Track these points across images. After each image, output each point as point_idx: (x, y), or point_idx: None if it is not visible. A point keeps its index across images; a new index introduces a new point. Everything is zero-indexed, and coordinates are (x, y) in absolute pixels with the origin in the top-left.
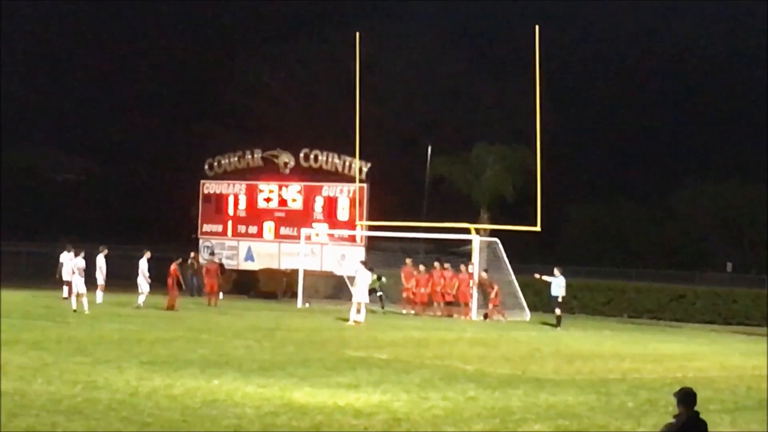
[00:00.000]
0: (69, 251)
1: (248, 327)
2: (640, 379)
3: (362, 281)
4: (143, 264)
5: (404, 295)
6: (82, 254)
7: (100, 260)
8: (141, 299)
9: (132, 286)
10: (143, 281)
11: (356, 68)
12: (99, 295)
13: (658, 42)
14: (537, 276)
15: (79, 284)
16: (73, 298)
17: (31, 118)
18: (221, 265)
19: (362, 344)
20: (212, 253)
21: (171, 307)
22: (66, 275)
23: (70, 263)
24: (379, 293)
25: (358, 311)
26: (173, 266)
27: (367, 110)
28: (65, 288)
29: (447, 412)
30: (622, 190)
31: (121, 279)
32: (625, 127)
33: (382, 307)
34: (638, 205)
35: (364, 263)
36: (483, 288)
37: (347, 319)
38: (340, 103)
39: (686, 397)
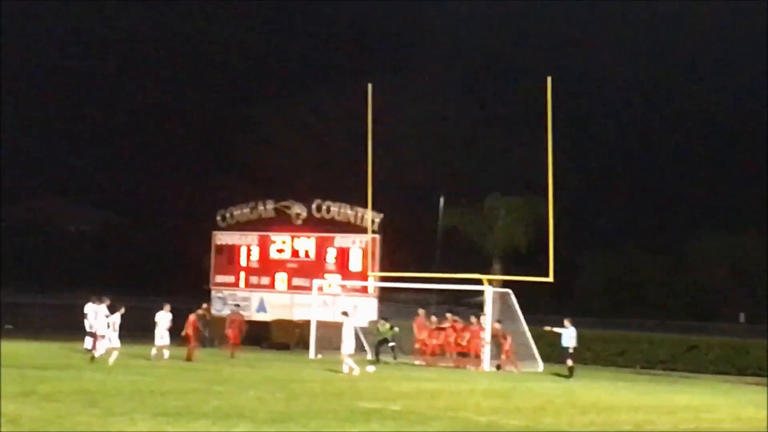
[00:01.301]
0: (94, 302)
1: (261, 378)
2: (654, 430)
3: (348, 332)
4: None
5: (417, 346)
6: (122, 310)
7: (101, 311)
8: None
9: (145, 338)
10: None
11: (368, 119)
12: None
13: (672, 92)
14: (547, 329)
15: (113, 338)
16: (99, 345)
17: (46, 170)
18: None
19: (375, 395)
20: (237, 305)
21: (190, 359)
22: (90, 326)
23: (103, 316)
24: (391, 344)
25: (343, 362)
26: (192, 317)
27: (379, 161)
28: (87, 339)
29: None
30: (636, 240)
31: (134, 330)
32: (639, 177)
33: (395, 358)
34: (652, 255)
35: (346, 314)
36: (496, 339)
37: (339, 371)
38: (352, 154)
39: None
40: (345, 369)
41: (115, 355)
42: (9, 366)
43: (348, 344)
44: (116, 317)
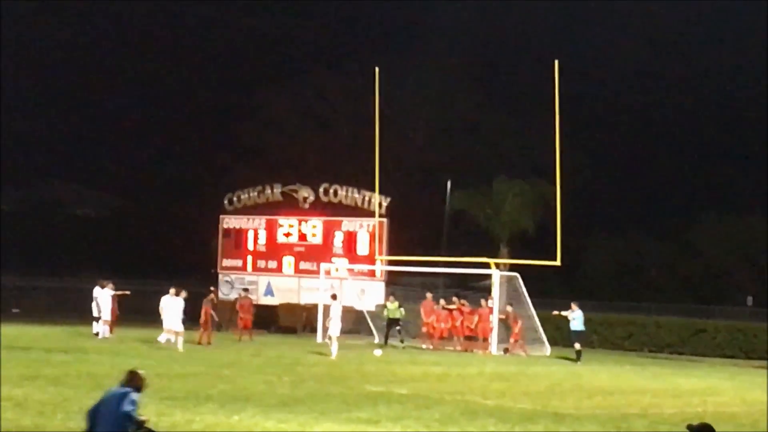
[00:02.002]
0: (102, 287)
1: (268, 362)
2: (661, 414)
3: (335, 315)
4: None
5: (424, 329)
6: (183, 294)
7: (106, 294)
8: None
9: (151, 322)
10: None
11: (375, 103)
12: (104, 329)
13: (678, 75)
14: (555, 312)
15: (175, 323)
16: (102, 327)
17: (52, 154)
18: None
19: (382, 379)
20: (246, 289)
21: (201, 342)
22: (96, 311)
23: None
24: (397, 327)
25: (330, 344)
26: (206, 306)
27: (387, 145)
28: (95, 323)
29: None
30: (642, 224)
31: (140, 314)
32: (645, 161)
33: (401, 341)
34: (658, 238)
35: (334, 297)
36: (506, 322)
37: (328, 354)
38: (359, 137)
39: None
40: (334, 351)
41: (180, 341)
42: (15, 349)
43: (335, 326)
44: (179, 301)
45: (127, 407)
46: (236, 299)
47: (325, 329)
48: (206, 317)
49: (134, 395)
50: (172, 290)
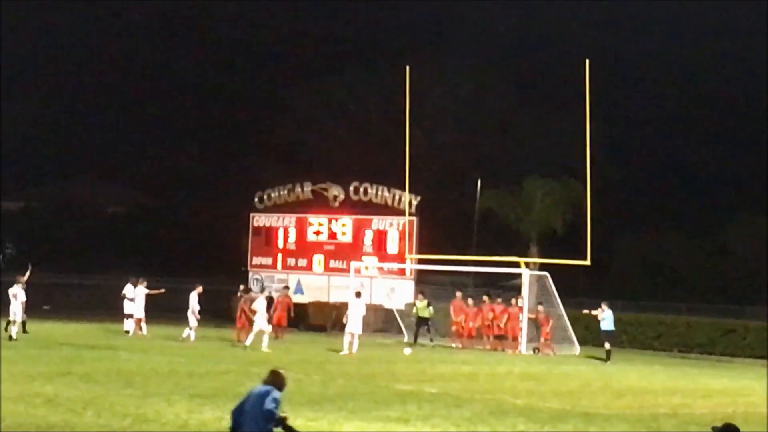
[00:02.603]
0: (135, 285)
1: (298, 360)
2: (691, 414)
3: (355, 312)
4: (193, 298)
5: (453, 328)
6: (266, 293)
7: (140, 292)
8: (186, 333)
9: (181, 319)
10: (191, 316)
11: (406, 102)
12: (143, 327)
13: (712, 72)
14: (585, 312)
15: (261, 322)
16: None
17: (83, 151)
18: (271, 298)
19: (412, 378)
20: (286, 287)
21: (240, 339)
22: (127, 308)
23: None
24: (427, 326)
25: (351, 342)
26: (243, 304)
27: (417, 143)
28: (125, 321)
29: None
30: (673, 223)
31: (171, 312)
32: (677, 160)
33: (431, 340)
34: (689, 238)
35: (359, 294)
36: (537, 322)
37: (340, 350)
38: (390, 136)
39: None
40: (353, 347)
41: (265, 339)
42: (46, 346)
43: (356, 323)
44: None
45: (269, 405)
46: (268, 297)
47: (343, 325)
48: (244, 315)
49: (276, 393)
50: (199, 288)
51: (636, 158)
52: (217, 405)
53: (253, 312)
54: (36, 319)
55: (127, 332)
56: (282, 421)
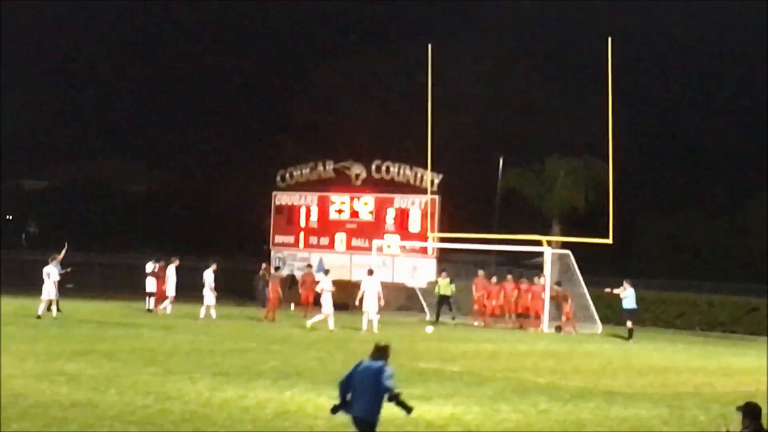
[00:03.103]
0: (157, 263)
1: (320, 338)
2: (713, 393)
3: (371, 291)
4: (209, 276)
5: (475, 307)
6: (287, 271)
7: (171, 271)
8: (204, 311)
9: (202, 297)
10: (209, 293)
11: (428, 80)
12: (168, 306)
13: (734, 51)
14: (607, 291)
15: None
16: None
17: (104, 131)
18: (292, 276)
19: (434, 356)
20: (309, 265)
21: (269, 318)
22: (150, 286)
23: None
24: (449, 304)
25: (371, 321)
26: (274, 282)
27: (439, 122)
28: (148, 299)
29: (519, 425)
30: (696, 202)
31: (194, 290)
32: (699, 138)
33: (453, 318)
34: (711, 216)
35: (370, 272)
36: (557, 300)
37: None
38: (412, 115)
39: (752, 411)
40: (373, 326)
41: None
42: (69, 324)
43: (371, 303)
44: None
45: (388, 382)
46: (288, 275)
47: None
48: (275, 294)
49: (390, 369)
50: (213, 265)
51: (658, 137)
52: (240, 383)
53: (314, 292)
54: (60, 298)
55: (149, 310)
56: (396, 397)
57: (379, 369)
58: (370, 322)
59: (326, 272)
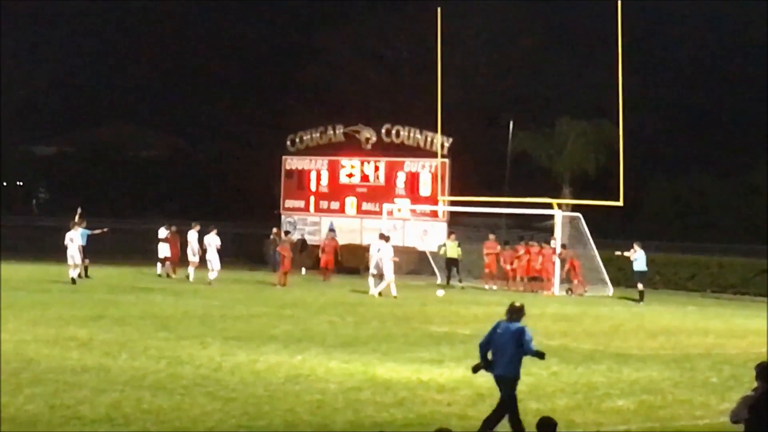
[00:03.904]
0: (167, 228)
1: (331, 302)
2: (724, 354)
3: (386, 256)
4: (192, 236)
5: (486, 270)
6: (297, 236)
7: (192, 236)
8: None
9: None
10: (214, 256)
11: (437, 43)
12: (191, 272)
13: (743, 13)
14: (618, 253)
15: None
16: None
17: (114, 96)
18: (303, 241)
19: (445, 320)
20: (332, 230)
21: (281, 282)
22: (162, 252)
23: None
24: (455, 267)
25: (388, 285)
26: (285, 247)
27: (449, 85)
28: (159, 265)
29: (530, 388)
30: (705, 164)
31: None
32: (709, 100)
33: (459, 281)
34: (722, 178)
35: (382, 236)
36: (564, 263)
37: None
38: (421, 78)
39: (765, 372)
40: (391, 290)
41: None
42: (80, 290)
43: (388, 268)
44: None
45: (530, 346)
46: (299, 239)
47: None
48: (287, 259)
49: (528, 332)
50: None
51: (668, 99)
52: (251, 347)
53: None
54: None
55: (160, 276)
56: (541, 356)
57: (517, 331)
58: (385, 284)
59: (387, 239)
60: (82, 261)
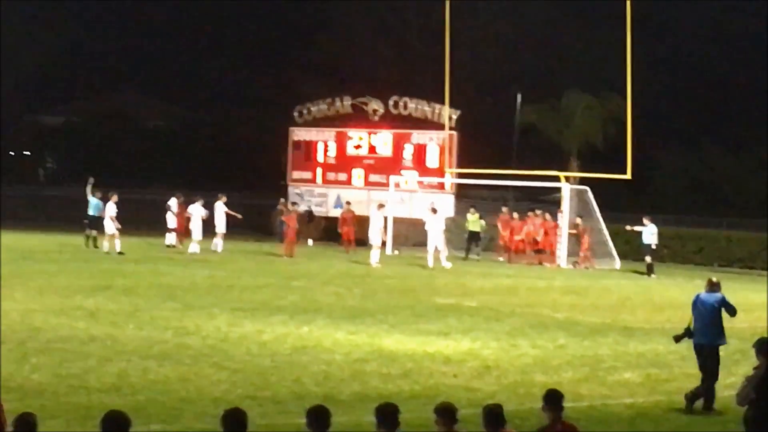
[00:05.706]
0: (179, 199)
1: (338, 274)
2: (731, 328)
3: (437, 227)
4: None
5: (501, 242)
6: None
7: (219, 208)
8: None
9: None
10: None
11: (446, 15)
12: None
13: None
14: (628, 228)
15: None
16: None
17: (122, 66)
18: (310, 212)
19: (452, 292)
20: (348, 203)
21: (288, 253)
22: (171, 222)
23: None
24: (476, 241)
25: (437, 258)
26: (291, 217)
27: (457, 58)
28: (168, 235)
29: (536, 360)
30: (714, 138)
31: (207, 225)
32: (718, 73)
33: (478, 255)
34: (729, 152)
35: (434, 210)
36: (577, 236)
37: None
38: (429, 50)
39: (766, 347)
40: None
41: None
42: (88, 260)
43: (438, 238)
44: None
45: (730, 308)
46: (306, 211)
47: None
48: (292, 229)
49: (728, 299)
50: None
51: (677, 73)
52: (257, 318)
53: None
54: (78, 233)
55: (169, 246)
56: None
57: (718, 300)
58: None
59: (434, 211)
60: (101, 231)
